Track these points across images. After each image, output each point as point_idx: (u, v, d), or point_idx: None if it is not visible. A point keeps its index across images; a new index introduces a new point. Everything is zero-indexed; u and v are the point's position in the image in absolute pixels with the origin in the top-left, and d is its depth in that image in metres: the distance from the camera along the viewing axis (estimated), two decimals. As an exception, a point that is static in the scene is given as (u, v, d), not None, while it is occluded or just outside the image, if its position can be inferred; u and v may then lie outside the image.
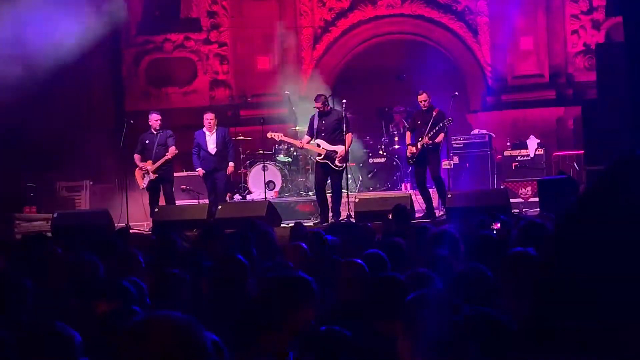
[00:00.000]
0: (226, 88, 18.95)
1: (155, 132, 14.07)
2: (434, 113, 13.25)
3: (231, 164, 14.07)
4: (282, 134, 14.25)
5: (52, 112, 16.51)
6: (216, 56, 19.06)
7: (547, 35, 17.41)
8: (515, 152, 15.37)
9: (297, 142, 13.84)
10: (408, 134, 13.57)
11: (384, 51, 17.91)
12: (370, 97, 16.40)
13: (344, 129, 13.14)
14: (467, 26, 18.00)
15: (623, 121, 11.80)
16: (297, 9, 18.68)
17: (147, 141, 14.04)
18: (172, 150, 13.89)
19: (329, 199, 13.31)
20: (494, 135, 15.30)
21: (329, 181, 13.43)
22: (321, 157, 13.13)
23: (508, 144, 15.66)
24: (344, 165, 13.21)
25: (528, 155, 15.24)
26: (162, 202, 14.05)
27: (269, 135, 14.39)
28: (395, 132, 16.31)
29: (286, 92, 16.43)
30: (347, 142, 13.19)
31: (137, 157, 14.04)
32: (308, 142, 13.35)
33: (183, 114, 17.58)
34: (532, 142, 15.31)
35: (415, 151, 13.19)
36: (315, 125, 13.29)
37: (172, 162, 14.11)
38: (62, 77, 16.58)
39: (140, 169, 13.93)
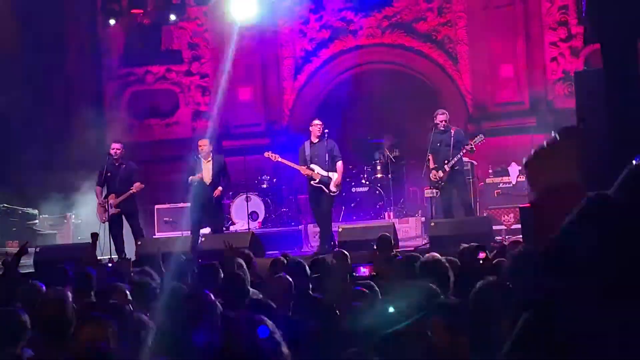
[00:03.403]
0: (208, 119, 18.96)
1: (117, 164, 13.92)
2: (452, 132, 13.35)
3: (220, 187, 13.74)
4: (278, 156, 14.11)
5: (35, 144, 16.47)
6: (198, 87, 19.11)
7: (526, 62, 17.55)
8: (497, 179, 15.43)
9: (301, 168, 13.62)
10: (430, 156, 13.49)
11: (365, 81, 18.01)
12: (352, 127, 16.46)
13: (335, 157, 13.24)
14: (447, 54, 18.13)
15: (603, 148, 11.86)
16: (278, 39, 18.77)
17: (109, 174, 13.87)
18: (138, 186, 13.73)
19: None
20: (475, 163, 15.37)
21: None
22: (316, 181, 13.18)
23: (490, 171, 15.73)
24: (337, 191, 13.30)
25: (510, 182, 15.30)
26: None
27: (266, 154, 14.22)
28: (378, 161, 16.34)
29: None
30: (340, 170, 13.27)
31: (98, 189, 13.93)
32: (308, 169, 13.26)
33: (166, 146, 17.58)
34: (514, 169, 15.38)
35: (443, 175, 13.19)
36: (307, 152, 13.34)
37: (135, 194, 13.93)
38: (44, 110, 16.59)
39: (101, 204, 13.82)
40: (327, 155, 13.22)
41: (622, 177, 1.39)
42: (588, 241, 1.31)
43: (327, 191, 13.18)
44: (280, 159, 14.00)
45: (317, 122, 13.43)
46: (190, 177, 13.70)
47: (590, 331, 1.27)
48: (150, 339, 5.00)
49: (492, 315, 3.91)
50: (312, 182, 13.30)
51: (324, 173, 13.20)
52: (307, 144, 13.43)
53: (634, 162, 1.41)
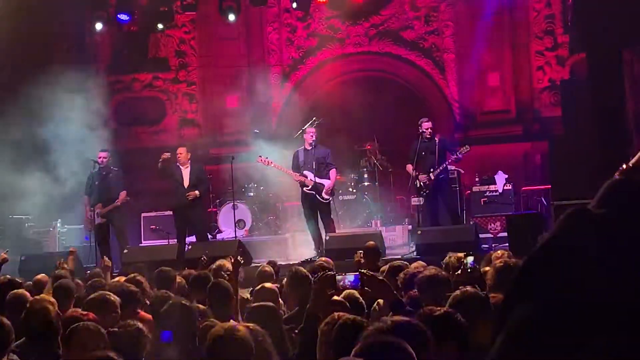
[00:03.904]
0: (195, 127, 18.95)
1: (104, 172, 13.94)
2: (437, 140, 13.39)
3: (196, 191, 13.74)
4: (272, 161, 14.12)
5: (20, 151, 16.41)
6: (185, 95, 19.09)
7: (513, 71, 17.62)
8: (483, 188, 15.44)
9: (293, 174, 13.64)
10: (409, 166, 13.56)
11: (353, 88, 18.03)
12: (339, 134, 16.44)
13: (328, 165, 13.26)
14: (434, 63, 18.18)
15: (588, 156, 11.94)
16: (265, 47, 18.78)
17: (96, 182, 13.92)
18: (122, 197, 13.81)
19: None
20: (462, 171, 15.39)
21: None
22: (308, 188, 13.19)
23: (476, 179, 15.75)
24: (331, 198, 13.30)
25: (496, 191, 15.31)
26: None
27: (258, 159, 14.24)
28: (365, 169, 16.34)
29: (255, 130, 16.47)
30: (333, 177, 13.30)
31: (86, 198, 13.99)
32: (301, 175, 13.27)
33: (152, 153, 17.51)
34: (500, 178, 15.40)
35: (428, 182, 13.23)
36: (301, 159, 13.36)
37: (122, 205, 13.99)
38: (30, 116, 16.52)
39: (88, 213, 13.88)
40: (314, 162, 13.23)
41: (602, 191, 1.40)
42: (570, 257, 1.32)
43: (319, 198, 13.20)
44: (272, 164, 14.02)
45: (310, 129, 13.49)
46: (159, 163, 13.61)
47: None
48: (147, 347, 5.00)
49: (469, 324, 3.95)
50: (304, 189, 13.32)
51: (317, 180, 13.21)
52: (300, 150, 13.47)
53: (616, 175, 1.42)
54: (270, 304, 5.58)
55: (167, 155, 13.65)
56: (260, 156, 14.15)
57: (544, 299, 1.29)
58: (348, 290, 5.44)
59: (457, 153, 13.39)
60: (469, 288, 4.71)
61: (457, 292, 4.59)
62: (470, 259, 6.53)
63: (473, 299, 4.43)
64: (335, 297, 5.22)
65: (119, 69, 19.08)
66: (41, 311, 5.34)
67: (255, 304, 5.72)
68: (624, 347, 1.25)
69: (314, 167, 13.23)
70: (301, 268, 7.33)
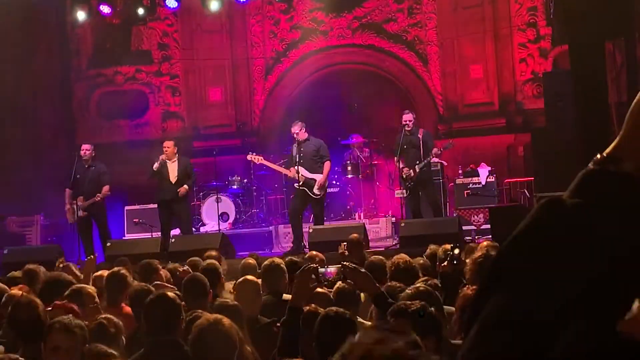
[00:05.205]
0: (178, 120, 18.89)
1: (87, 166, 13.90)
2: (420, 134, 13.37)
3: (185, 186, 13.71)
4: (262, 157, 14.10)
5: (3, 145, 16.35)
6: (168, 88, 19.02)
7: (496, 63, 17.62)
8: (467, 180, 15.47)
9: (282, 170, 13.66)
10: (395, 159, 13.57)
11: (336, 81, 18.02)
12: (322, 127, 16.44)
13: (322, 157, 13.22)
14: (418, 55, 18.17)
15: (570, 148, 11.98)
16: (248, 40, 18.74)
17: (78, 175, 13.86)
18: (105, 191, 13.76)
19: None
20: (445, 164, 15.42)
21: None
22: (300, 184, 13.15)
23: (460, 171, 15.78)
24: (323, 193, 13.25)
25: (480, 183, 15.35)
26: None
27: (248, 157, 14.22)
28: (348, 162, 16.33)
29: (238, 123, 16.46)
30: (325, 170, 13.23)
31: (68, 191, 13.93)
32: (295, 172, 13.23)
33: (135, 147, 17.47)
34: (484, 170, 15.44)
35: (413, 175, 13.22)
36: (294, 153, 13.33)
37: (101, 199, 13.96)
38: (13, 112, 16.45)
39: (70, 206, 13.83)
40: (312, 156, 13.19)
41: (576, 180, 1.40)
42: (542, 247, 1.32)
43: (311, 194, 13.14)
44: (262, 161, 14.02)
45: (295, 123, 13.41)
46: (154, 166, 13.60)
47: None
48: (123, 340, 4.98)
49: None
50: (296, 185, 13.27)
51: (309, 175, 13.15)
52: (294, 145, 13.44)
53: (590, 165, 1.42)
54: (235, 303, 5.60)
55: (164, 157, 13.62)
56: (250, 153, 14.17)
57: (516, 290, 1.29)
58: (340, 284, 5.44)
59: (441, 149, 13.42)
60: (419, 285, 4.80)
61: (409, 290, 4.67)
62: (456, 252, 6.56)
63: (426, 295, 4.51)
64: (319, 290, 5.23)
65: (101, 62, 18.98)
66: (29, 305, 5.28)
67: (219, 302, 5.73)
68: (595, 337, 1.24)
69: (308, 161, 13.17)
70: (314, 252, 7.38)
